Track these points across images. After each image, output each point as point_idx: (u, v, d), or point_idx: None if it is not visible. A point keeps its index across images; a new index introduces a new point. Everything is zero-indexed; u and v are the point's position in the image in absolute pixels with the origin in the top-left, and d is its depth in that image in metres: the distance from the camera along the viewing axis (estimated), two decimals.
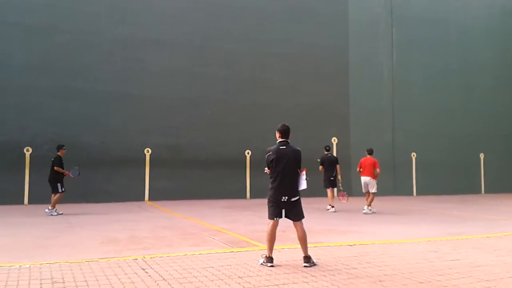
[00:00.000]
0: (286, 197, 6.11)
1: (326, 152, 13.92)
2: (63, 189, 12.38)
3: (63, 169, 12.48)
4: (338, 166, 13.71)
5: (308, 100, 19.08)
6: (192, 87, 17.42)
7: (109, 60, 16.42)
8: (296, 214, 6.20)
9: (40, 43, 15.63)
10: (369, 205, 12.77)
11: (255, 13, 18.68)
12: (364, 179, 13.06)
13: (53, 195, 12.30)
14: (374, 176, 12.92)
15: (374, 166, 12.96)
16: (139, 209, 13.93)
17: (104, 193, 15.68)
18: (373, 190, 12.92)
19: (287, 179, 6.15)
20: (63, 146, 12.82)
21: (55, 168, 12.31)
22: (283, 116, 17.92)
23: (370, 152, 13.28)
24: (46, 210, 12.07)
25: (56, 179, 12.30)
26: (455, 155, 21.61)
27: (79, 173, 12.80)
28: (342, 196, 14.04)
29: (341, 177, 13.91)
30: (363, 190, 13.22)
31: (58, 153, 12.60)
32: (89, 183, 15.41)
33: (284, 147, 6.25)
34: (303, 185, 6.21)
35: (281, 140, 6.32)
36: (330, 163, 13.63)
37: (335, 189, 13.78)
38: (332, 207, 13.27)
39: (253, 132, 17.87)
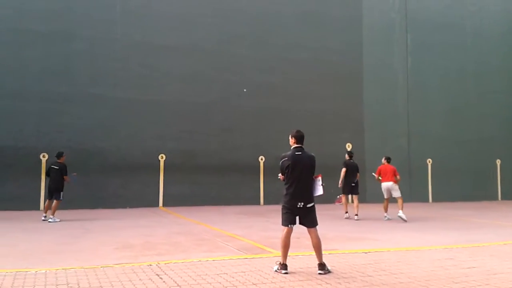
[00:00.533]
0: (302, 203, 6.09)
1: (348, 158, 13.73)
2: (62, 198, 12.38)
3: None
4: (357, 174, 13.59)
5: (322, 106, 19.03)
6: (206, 93, 17.49)
7: (125, 66, 16.57)
8: (311, 221, 6.17)
9: (57, 50, 15.82)
10: (401, 209, 12.59)
11: (269, 19, 18.71)
12: (387, 184, 12.95)
13: (48, 201, 12.37)
14: (395, 181, 12.87)
15: (394, 173, 12.94)
16: (153, 214, 14.00)
17: (119, 198, 15.78)
18: (398, 194, 12.82)
19: (303, 185, 6.13)
20: (63, 153, 12.82)
21: (64, 177, 12.32)
22: (297, 121, 17.93)
23: (389, 160, 13.27)
24: (50, 220, 11.89)
25: (61, 187, 12.31)
26: (471, 160, 21.34)
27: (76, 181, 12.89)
28: (339, 201, 14.02)
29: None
30: (385, 196, 13.10)
31: (59, 161, 12.55)
32: (105, 189, 15.54)
33: (300, 153, 6.24)
34: (319, 190, 6.19)
35: (296, 146, 6.31)
36: (352, 170, 13.48)
37: (357, 196, 13.51)
38: (356, 215, 13.06)
39: (267, 138, 17.86)
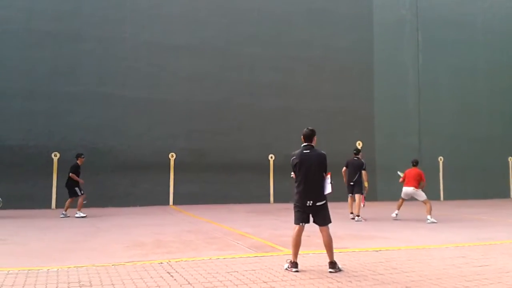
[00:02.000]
0: (311, 202, 6.08)
1: (353, 156, 13.31)
2: (82, 192, 12.89)
3: (79, 176, 12.99)
4: (364, 172, 13.01)
5: (333, 104, 18.97)
6: (215, 92, 17.51)
7: (135, 65, 16.63)
8: (322, 219, 6.16)
9: (67, 50, 15.91)
10: (429, 213, 12.14)
11: (278, 17, 18.68)
12: (407, 189, 12.67)
13: (70, 199, 12.84)
14: (417, 186, 12.50)
15: (419, 177, 12.56)
16: (164, 213, 14.05)
17: (129, 197, 15.86)
18: (421, 198, 12.49)
19: (311, 183, 6.12)
20: (82, 154, 13.42)
21: (70, 174, 12.90)
22: (307, 120, 17.90)
23: (415, 164, 12.93)
24: (76, 215, 12.50)
25: (73, 183, 12.88)
26: (483, 158, 21.17)
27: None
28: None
29: (367, 183, 13.40)
30: (403, 197, 12.92)
31: (77, 161, 13.16)
32: (115, 188, 15.63)
33: (308, 151, 6.23)
34: (328, 189, 6.17)
35: (304, 144, 6.31)
36: (353, 168, 13.00)
37: (358, 196, 12.80)
38: (351, 213, 12.84)
39: (277, 137, 17.85)
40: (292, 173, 6.33)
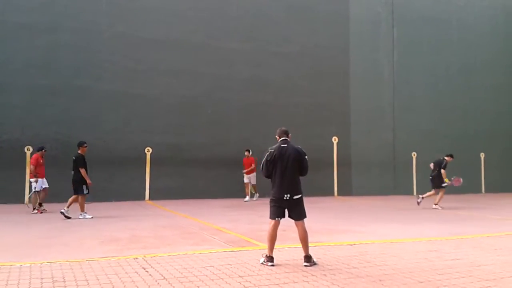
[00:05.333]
0: (288, 195, 6.14)
1: (438, 156, 15.36)
2: (87, 191, 11.51)
3: (86, 169, 11.50)
4: (443, 171, 14.62)
5: (309, 100, 19.07)
6: (192, 86, 17.41)
7: (111, 59, 16.41)
8: (298, 213, 6.22)
9: (41, 42, 15.61)
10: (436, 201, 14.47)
11: (255, 13, 18.66)
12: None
13: (74, 197, 11.46)
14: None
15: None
16: (140, 208, 13.95)
17: (105, 192, 15.65)
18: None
19: (288, 177, 6.18)
20: (85, 143, 11.87)
21: (80, 169, 11.32)
22: (284, 115, 17.99)
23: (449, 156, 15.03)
24: (80, 216, 11.16)
25: (79, 180, 11.34)
26: (456, 154, 21.43)
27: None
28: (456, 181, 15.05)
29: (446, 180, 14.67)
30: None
31: (79, 151, 11.64)
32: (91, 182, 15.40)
33: (285, 145, 6.30)
34: None
35: (281, 139, 6.38)
36: (435, 165, 14.92)
37: (437, 189, 14.71)
38: (435, 204, 14.53)
39: (254, 132, 17.85)
40: (262, 166, 6.38)
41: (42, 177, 12.93)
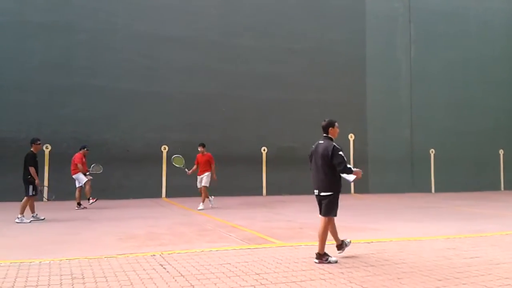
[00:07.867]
0: (317, 191, 6.22)
1: None
2: (33, 192, 10.35)
3: (36, 168, 10.40)
4: None
5: (325, 96, 18.97)
6: (209, 84, 17.46)
7: (127, 57, 16.54)
8: (324, 209, 6.22)
9: (59, 41, 15.81)
10: None
11: (271, 9, 18.63)
12: None
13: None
14: None
15: None
16: (156, 205, 14.04)
17: (122, 189, 15.82)
18: None
19: (316, 173, 6.26)
20: (38, 140, 10.71)
21: (29, 168, 10.23)
22: (299, 112, 17.96)
23: None
24: (16, 220, 10.02)
25: (27, 180, 10.27)
26: (474, 151, 21.30)
27: (53, 197, 13.01)
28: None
29: None
30: None
31: (32, 149, 10.52)
32: (108, 180, 15.55)
33: (322, 142, 6.32)
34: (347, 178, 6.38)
35: (323, 135, 6.42)
36: None
37: None
38: None
39: (270, 129, 17.85)
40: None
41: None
